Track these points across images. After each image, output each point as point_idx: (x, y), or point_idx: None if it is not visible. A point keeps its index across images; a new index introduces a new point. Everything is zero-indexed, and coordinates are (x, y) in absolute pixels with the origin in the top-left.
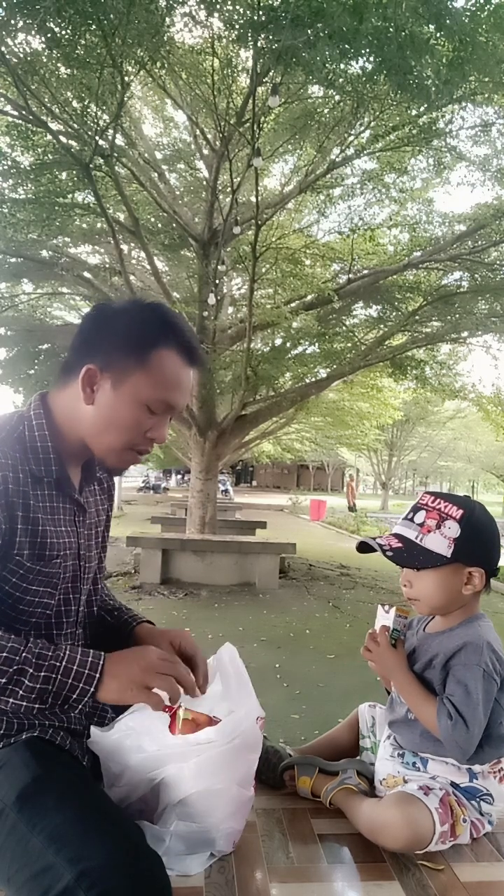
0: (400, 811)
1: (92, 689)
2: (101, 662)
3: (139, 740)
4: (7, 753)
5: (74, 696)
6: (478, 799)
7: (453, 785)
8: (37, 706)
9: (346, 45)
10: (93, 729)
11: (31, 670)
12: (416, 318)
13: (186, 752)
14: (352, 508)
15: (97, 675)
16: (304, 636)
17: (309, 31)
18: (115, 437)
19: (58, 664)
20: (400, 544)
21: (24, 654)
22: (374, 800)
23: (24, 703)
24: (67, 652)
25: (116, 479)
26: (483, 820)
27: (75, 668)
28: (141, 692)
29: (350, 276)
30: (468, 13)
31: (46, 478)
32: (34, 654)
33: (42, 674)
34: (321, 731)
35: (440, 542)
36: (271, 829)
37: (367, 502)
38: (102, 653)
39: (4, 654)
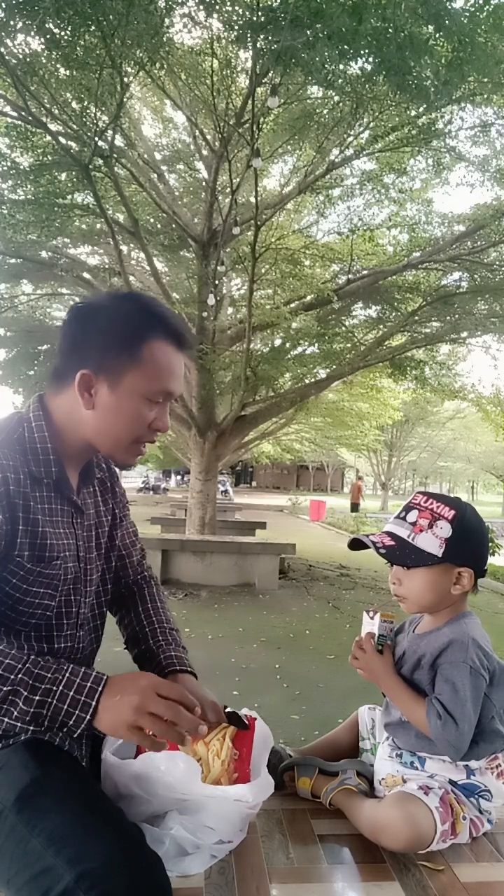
0: (401, 811)
1: (88, 717)
2: (101, 689)
3: (164, 779)
4: (6, 755)
5: (71, 723)
6: (476, 796)
7: (451, 783)
8: (31, 728)
9: (346, 46)
10: (111, 757)
11: (25, 692)
12: (416, 318)
13: (210, 803)
14: (355, 508)
15: (93, 704)
16: (303, 637)
17: (308, 32)
18: (120, 434)
19: (54, 688)
20: (393, 542)
21: (20, 675)
22: (375, 800)
23: (19, 725)
24: (67, 674)
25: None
26: (482, 818)
27: (72, 693)
28: (133, 732)
29: (349, 276)
30: (467, 14)
31: (46, 479)
32: (32, 674)
33: (37, 697)
34: (321, 731)
35: (432, 541)
36: (271, 829)
37: (366, 503)
38: (104, 677)
39: (0, 672)
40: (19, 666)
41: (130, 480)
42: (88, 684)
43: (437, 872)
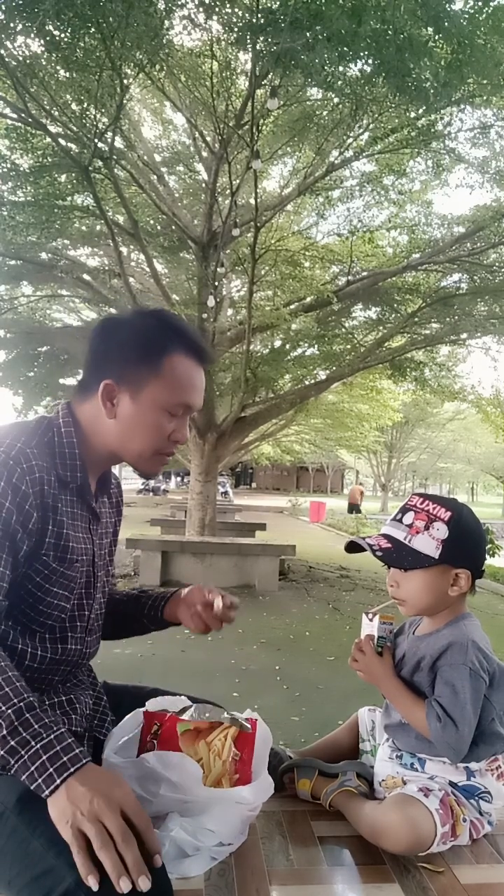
0: (401, 814)
1: (47, 792)
2: (72, 771)
3: (166, 779)
4: None
5: (33, 786)
6: (476, 798)
7: (452, 784)
8: None
9: (345, 48)
10: (113, 756)
11: (2, 732)
12: (416, 319)
13: (211, 805)
14: (355, 509)
15: (57, 782)
16: (303, 638)
17: (307, 34)
18: (141, 444)
19: (32, 743)
20: (389, 545)
21: (9, 710)
22: (375, 802)
23: None
24: (51, 736)
25: None
26: (482, 819)
27: (44, 758)
28: (73, 833)
29: (349, 277)
30: (466, 16)
31: (71, 483)
32: (21, 716)
33: (12, 742)
34: (321, 733)
35: (428, 543)
36: (271, 831)
37: (366, 504)
38: (83, 762)
39: None
40: (14, 700)
41: (130, 482)
42: (64, 759)
43: (438, 874)
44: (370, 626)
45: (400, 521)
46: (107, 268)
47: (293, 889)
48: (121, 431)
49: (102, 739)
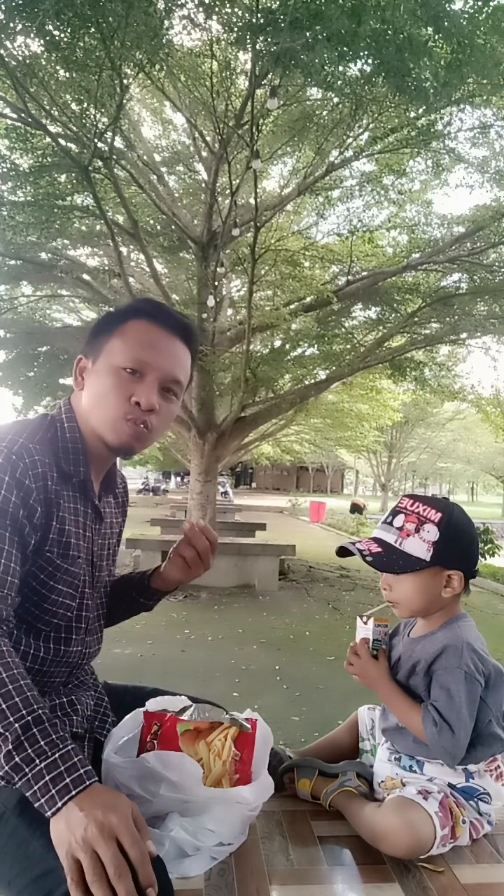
0: (400, 817)
1: (50, 813)
2: (74, 794)
3: (166, 779)
4: None
5: (36, 805)
6: (476, 799)
7: (451, 786)
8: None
9: (345, 48)
10: (113, 756)
11: (10, 746)
12: (415, 319)
13: (211, 805)
14: (357, 510)
15: (59, 804)
16: (303, 638)
17: (307, 34)
18: (104, 407)
19: (37, 762)
20: (379, 549)
21: (16, 724)
22: (375, 805)
23: None
24: (56, 755)
25: None
26: (482, 820)
27: (47, 779)
28: (69, 860)
29: (349, 277)
30: (466, 15)
31: (74, 477)
32: (28, 731)
33: (17, 759)
34: (321, 732)
35: (419, 545)
36: (271, 831)
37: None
38: (86, 783)
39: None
40: (24, 712)
41: (130, 482)
42: (67, 780)
43: (438, 874)
44: (365, 630)
45: (390, 523)
46: (107, 268)
47: (293, 889)
48: (87, 399)
49: (103, 741)
